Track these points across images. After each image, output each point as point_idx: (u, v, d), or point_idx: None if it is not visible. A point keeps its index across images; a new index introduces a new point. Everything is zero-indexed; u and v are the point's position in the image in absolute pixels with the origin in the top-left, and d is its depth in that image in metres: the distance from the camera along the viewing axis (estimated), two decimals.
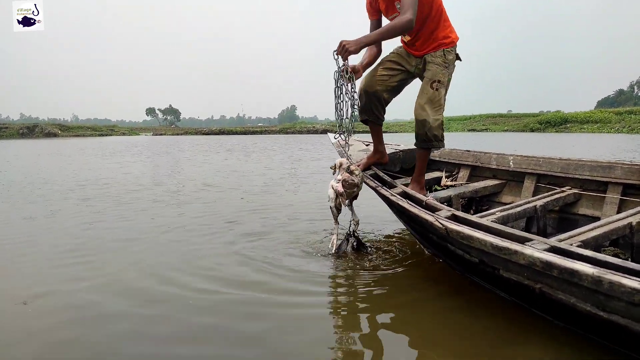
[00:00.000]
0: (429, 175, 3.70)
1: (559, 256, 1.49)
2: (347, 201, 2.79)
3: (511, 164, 3.27)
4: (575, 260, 1.44)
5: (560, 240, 1.97)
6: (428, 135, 2.77)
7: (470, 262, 2.11)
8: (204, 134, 50.57)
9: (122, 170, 9.22)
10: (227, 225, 3.84)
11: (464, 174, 3.62)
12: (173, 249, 3.14)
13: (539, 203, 2.68)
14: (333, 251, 2.83)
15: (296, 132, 48.14)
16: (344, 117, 2.78)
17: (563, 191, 2.87)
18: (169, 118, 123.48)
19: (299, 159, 11.73)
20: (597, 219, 2.63)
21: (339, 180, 2.69)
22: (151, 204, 4.99)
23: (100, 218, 4.23)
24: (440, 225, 2.01)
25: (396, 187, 2.79)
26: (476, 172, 3.57)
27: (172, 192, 5.85)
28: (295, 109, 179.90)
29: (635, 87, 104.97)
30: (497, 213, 2.52)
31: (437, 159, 3.87)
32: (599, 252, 2.54)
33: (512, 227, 3.02)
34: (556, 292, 1.57)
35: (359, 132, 3.18)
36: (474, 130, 45.34)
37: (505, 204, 3.12)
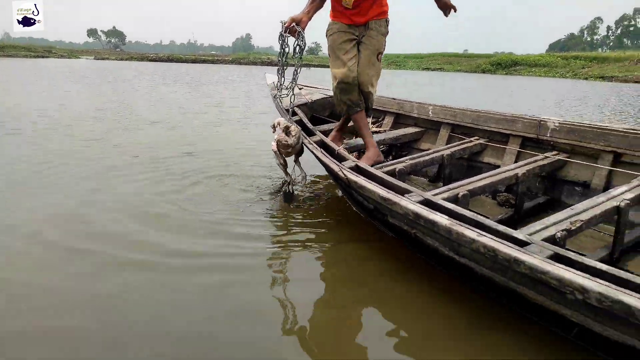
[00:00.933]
0: None
1: (426, 208, 1.73)
2: (293, 157, 2.95)
3: (430, 113, 3.49)
4: (436, 212, 1.68)
5: (461, 186, 2.25)
6: (368, 106, 2.87)
7: (368, 208, 2.35)
8: (150, 60, 47.82)
9: (58, 102, 8.74)
10: (163, 167, 3.81)
11: (388, 120, 3.84)
12: (101, 191, 3.17)
13: (445, 152, 2.94)
14: (284, 201, 2.98)
15: (250, 63, 46.51)
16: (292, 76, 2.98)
17: (470, 141, 3.15)
18: (112, 41, 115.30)
19: (250, 97, 11.27)
20: (499, 167, 2.93)
21: (275, 140, 2.80)
22: (85, 141, 4.87)
23: (27, 154, 4.16)
24: (343, 175, 2.21)
25: (315, 134, 2.93)
26: (400, 120, 3.77)
27: (108, 130, 5.68)
28: (251, 38, 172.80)
29: (585, 32, 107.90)
30: (407, 161, 2.75)
31: None
32: (495, 197, 2.89)
33: (424, 173, 3.33)
34: (426, 237, 1.83)
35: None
36: (427, 69, 45.52)
37: (423, 150, 3.38)
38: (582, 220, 1.82)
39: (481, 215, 2.66)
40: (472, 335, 1.60)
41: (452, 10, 2.68)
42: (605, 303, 1.11)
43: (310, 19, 2.82)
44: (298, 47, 2.81)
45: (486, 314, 1.70)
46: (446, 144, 3.32)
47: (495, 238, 1.44)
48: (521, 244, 1.44)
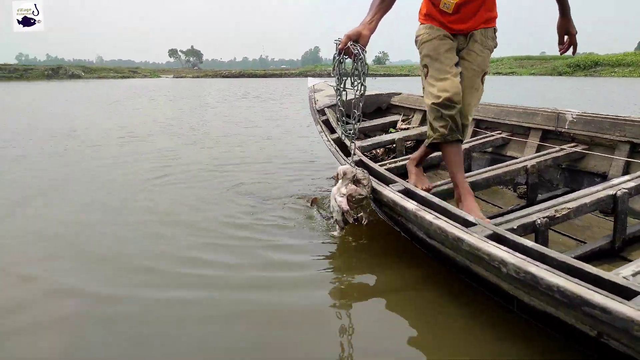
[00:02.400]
0: (387, 119, 3.99)
1: (401, 195, 1.82)
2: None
3: None
4: (409, 200, 1.77)
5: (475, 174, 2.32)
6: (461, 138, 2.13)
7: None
8: (223, 76, 50.68)
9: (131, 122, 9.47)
10: (224, 188, 3.46)
11: (416, 118, 3.91)
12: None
13: (465, 146, 2.95)
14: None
15: (316, 76, 47.39)
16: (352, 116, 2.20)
17: (492, 135, 3.13)
18: (191, 60, 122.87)
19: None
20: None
21: (344, 194, 2.15)
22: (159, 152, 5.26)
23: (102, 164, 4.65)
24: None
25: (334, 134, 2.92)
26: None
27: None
28: (319, 51, 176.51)
29: None
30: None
31: (397, 103, 4.18)
32: (515, 189, 2.84)
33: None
34: (408, 222, 1.91)
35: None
36: (499, 73, 43.89)
37: None
38: (570, 208, 1.80)
39: (497, 206, 2.67)
40: None
41: (571, 49, 2.19)
42: (520, 274, 1.15)
43: (373, 30, 2.02)
44: (356, 70, 2.05)
45: None
46: (470, 138, 3.31)
47: (448, 220, 1.51)
48: (468, 225, 1.50)
